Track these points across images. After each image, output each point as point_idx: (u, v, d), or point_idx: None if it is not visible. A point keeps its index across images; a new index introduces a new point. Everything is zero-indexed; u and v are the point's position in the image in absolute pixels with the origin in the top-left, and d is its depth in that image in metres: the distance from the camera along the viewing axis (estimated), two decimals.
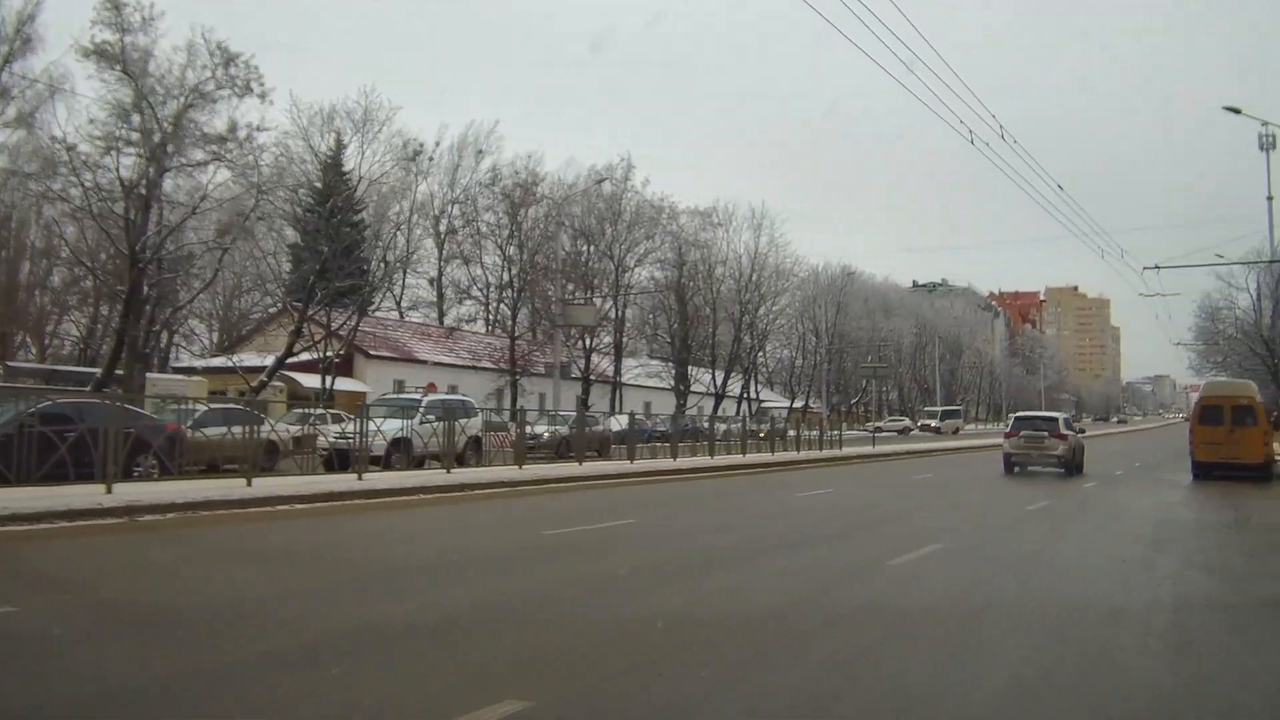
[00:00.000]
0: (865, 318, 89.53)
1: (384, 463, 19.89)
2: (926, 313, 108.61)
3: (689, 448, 28.41)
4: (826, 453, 34.50)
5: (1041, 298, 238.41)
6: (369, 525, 13.35)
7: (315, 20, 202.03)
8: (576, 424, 23.16)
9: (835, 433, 38.17)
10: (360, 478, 17.11)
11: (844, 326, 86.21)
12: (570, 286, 51.57)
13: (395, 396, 25.20)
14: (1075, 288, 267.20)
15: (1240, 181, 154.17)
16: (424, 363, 53.80)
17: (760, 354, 80.00)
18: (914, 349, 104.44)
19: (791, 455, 31.82)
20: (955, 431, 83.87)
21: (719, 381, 63.86)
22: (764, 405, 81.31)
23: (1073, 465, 27.44)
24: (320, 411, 24.53)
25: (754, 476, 25.32)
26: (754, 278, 64.65)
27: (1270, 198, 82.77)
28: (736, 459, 28.63)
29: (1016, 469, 27.48)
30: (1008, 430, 29.80)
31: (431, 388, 44.11)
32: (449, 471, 19.26)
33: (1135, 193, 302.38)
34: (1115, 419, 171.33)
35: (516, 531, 12.69)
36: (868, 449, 38.20)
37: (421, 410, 21.11)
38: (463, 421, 20.78)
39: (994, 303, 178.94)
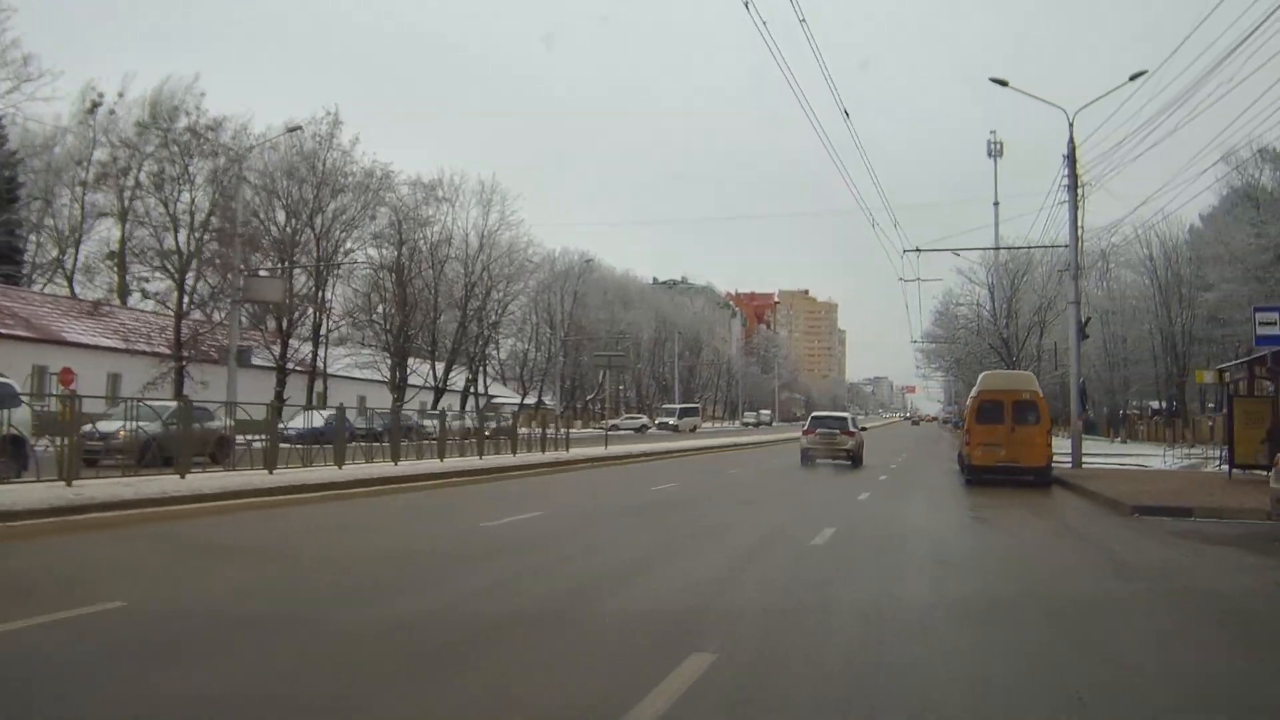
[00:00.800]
0: (604, 309, 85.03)
1: None
2: (667, 307, 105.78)
3: (360, 449, 21.59)
4: (550, 455, 28.61)
5: (775, 299, 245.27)
6: None
7: None
8: (177, 418, 15.89)
9: (563, 431, 32.31)
10: None
11: (581, 318, 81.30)
12: (257, 257, 43.34)
13: None
14: (806, 291, 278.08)
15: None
16: (72, 344, 43.99)
17: (492, 345, 73.86)
18: (654, 344, 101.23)
19: (504, 460, 25.65)
20: (693, 430, 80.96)
21: (439, 373, 56.84)
22: (494, 401, 75.30)
23: (857, 458, 30.80)
24: None
25: (448, 490, 18.99)
26: (483, 259, 58.11)
27: (997, 203, 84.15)
28: (433, 465, 22.18)
29: (811, 461, 30.27)
30: (805, 428, 32.64)
31: (67, 375, 35.10)
32: None
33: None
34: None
35: None
36: (600, 450, 32.68)
37: None
38: None
39: (731, 302, 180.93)
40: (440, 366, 57.60)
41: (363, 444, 22.12)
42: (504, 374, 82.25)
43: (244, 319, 55.74)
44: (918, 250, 34.34)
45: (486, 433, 30.35)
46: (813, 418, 34.47)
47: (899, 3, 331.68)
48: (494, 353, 78.76)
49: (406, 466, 21.11)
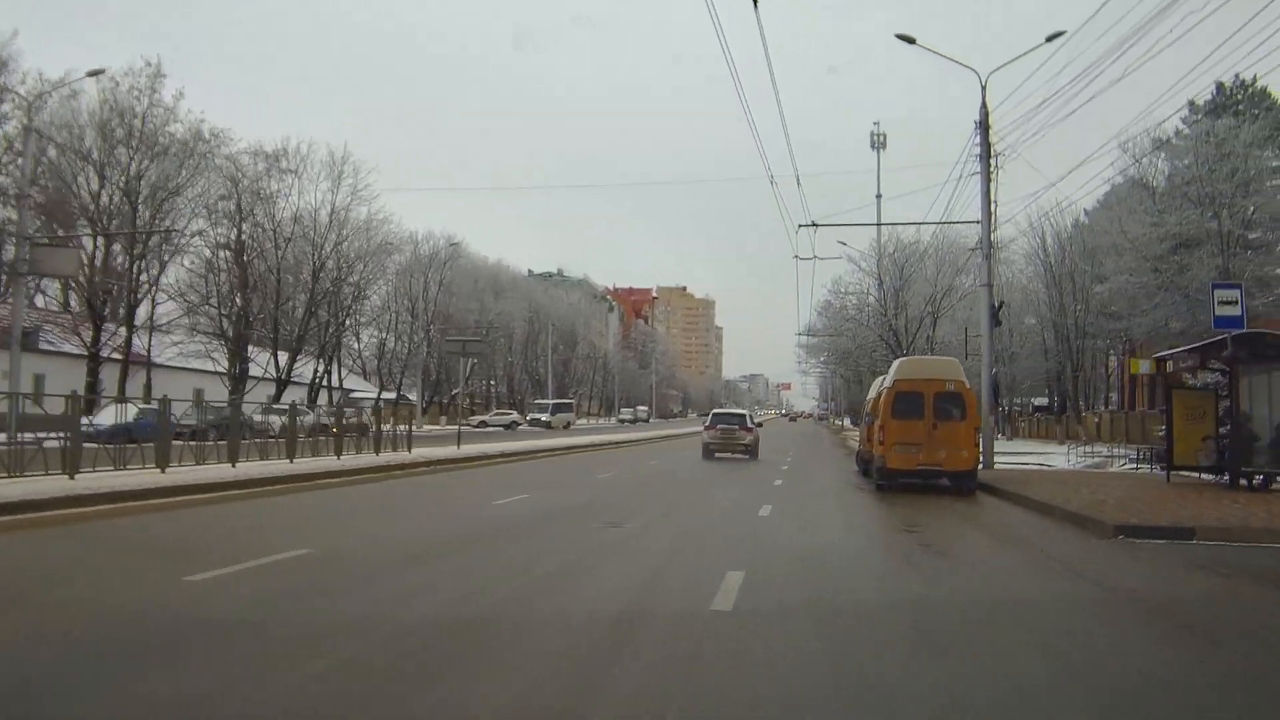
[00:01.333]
0: (473, 298, 79.67)
1: None
2: (541, 299, 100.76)
3: (105, 453, 16.38)
4: (385, 457, 23.76)
5: (654, 294, 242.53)
6: None
7: None
8: None
9: (404, 428, 27.40)
10: None
11: (449, 306, 75.91)
12: (45, 224, 37.13)
13: None
14: (684, 288, 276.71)
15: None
16: None
17: (351, 335, 68.13)
18: (527, 337, 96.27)
19: (321, 464, 20.68)
20: (566, 426, 76.71)
21: (282, 364, 50.91)
22: (353, 395, 69.65)
23: (754, 451, 32.44)
24: None
25: (217, 507, 14.14)
26: (333, 237, 52.30)
27: (880, 195, 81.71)
28: (220, 473, 17.24)
29: (711, 455, 31.79)
30: (707, 424, 34.14)
31: None
32: None
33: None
34: None
35: None
36: (449, 450, 27.92)
37: None
38: None
39: (609, 296, 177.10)
40: (285, 356, 51.62)
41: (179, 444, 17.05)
42: (365, 367, 76.27)
43: (54, 298, 49.20)
44: (814, 225, 30.51)
45: (334, 430, 25.52)
46: (714, 414, 36.06)
47: None
48: (354, 343, 72.90)
49: (178, 475, 16.14)
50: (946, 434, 19.23)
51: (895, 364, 21.57)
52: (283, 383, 49.82)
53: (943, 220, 31.44)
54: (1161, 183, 48.43)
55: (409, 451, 25.32)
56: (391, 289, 68.32)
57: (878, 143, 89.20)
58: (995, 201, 28.05)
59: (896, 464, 19.42)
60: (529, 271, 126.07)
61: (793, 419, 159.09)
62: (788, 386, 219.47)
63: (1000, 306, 27.98)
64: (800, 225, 29.96)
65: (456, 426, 30.65)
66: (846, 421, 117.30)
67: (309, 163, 51.50)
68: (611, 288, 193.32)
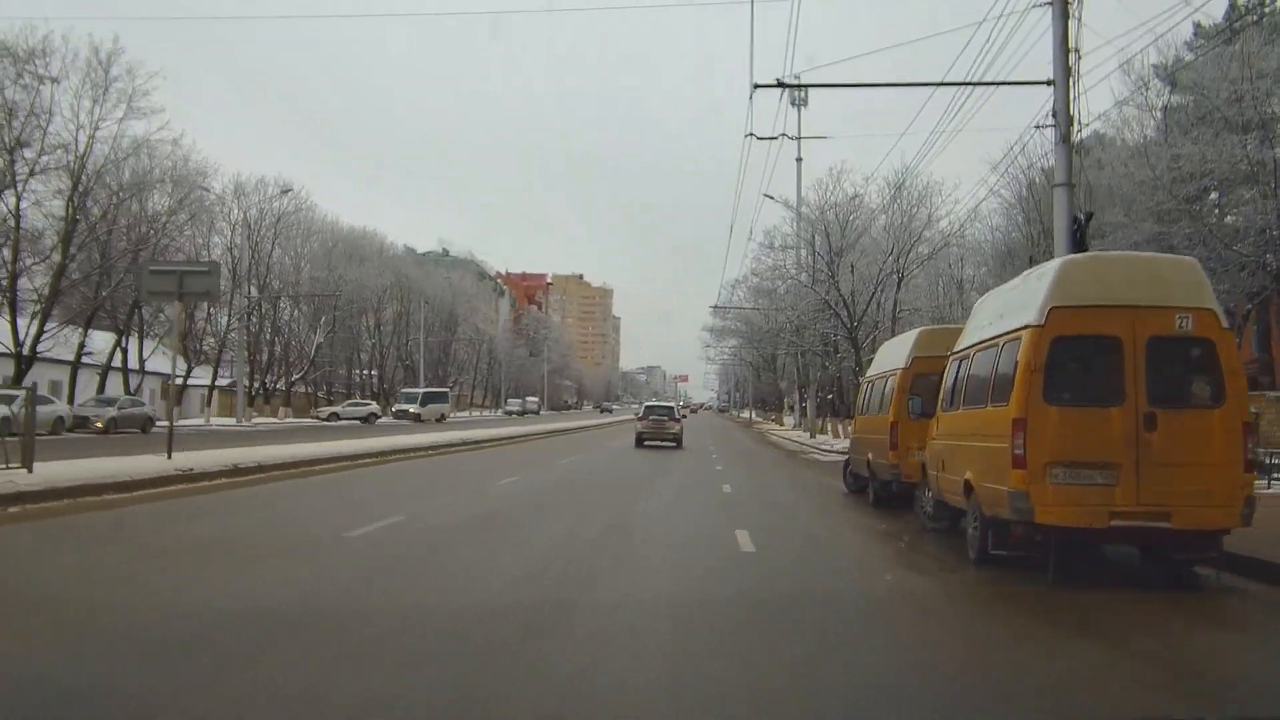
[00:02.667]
0: (324, 265, 66.35)
1: None
2: (413, 273, 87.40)
3: None
4: (46, 477, 11.48)
5: (548, 280, 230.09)
6: None
7: None
8: None
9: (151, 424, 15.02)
10: None
11: (297, 274, 62.84)
12: None
13: None
14: (581, 276, 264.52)
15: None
16: None
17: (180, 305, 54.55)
18: (397, 316, 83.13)
19: None
20: (441, 419, 64.32)
21: (28, 334, 37.40)
22: (186, 381, 56.18)
23: (680, 440, 35.61)
24: None
25: None
26: (94, 162, 38.49)
27: (800, 159, 70.55)
28: None
29: (641, 444, 34.53)
30: (640, 415, 37.80)
31: None
32: None
33: None
34: (605, 406, 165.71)
35: None
36: (151, 463, 15.62)
37: None
38: None
39: (499, 280, 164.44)
40: (32, 324, 38.08)
41: None
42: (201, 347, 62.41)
43: None
44: (780, 84, 18.55)
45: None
46: (646, 406, 39.57)
47: None
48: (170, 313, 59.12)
49: None
50: (1180, 438, 7.89)
51: (1053, 266, 9.10)
52: (24, 360, 36.40)
53: (975, 80, 18.47)
54: (1161, 113, 38.67)
55: (29, 470, 12.99)
56: (221, 246, 55.27)
57: (798, 100, 78.69)
58: (1077, 51, 17.04)
59: (1060, 515, 7.88)
60: (405, 247, 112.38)
61: (694, 410, 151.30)
62: (685, 378, 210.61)
63: (1089, 218, 16.91)
64: (757, 85, 18.24)
65: (169, 425, 18.14)
66: (753, 414, 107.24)
67: (72, 69, 37.83)
68: (504, 273, 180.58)
